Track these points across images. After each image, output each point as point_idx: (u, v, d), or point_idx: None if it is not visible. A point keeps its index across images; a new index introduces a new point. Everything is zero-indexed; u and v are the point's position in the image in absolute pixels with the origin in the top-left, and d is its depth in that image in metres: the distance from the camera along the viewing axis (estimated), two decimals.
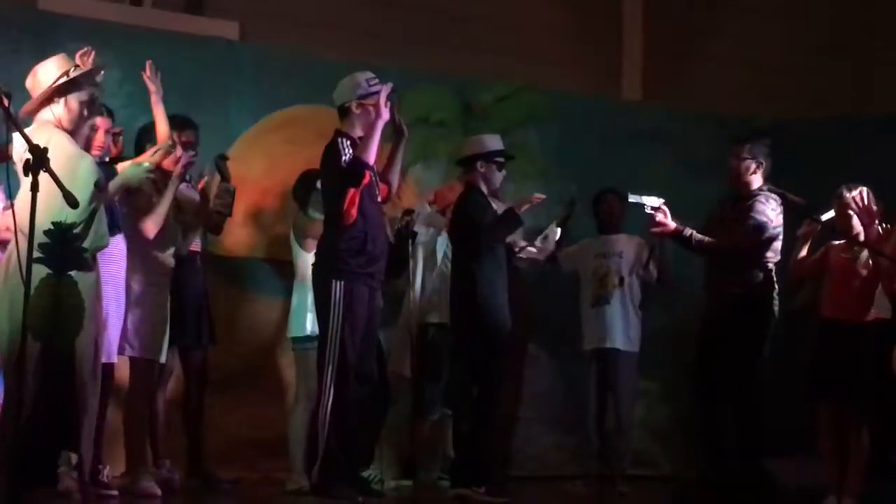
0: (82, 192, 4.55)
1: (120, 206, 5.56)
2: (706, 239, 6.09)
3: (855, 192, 5.73)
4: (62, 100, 4.81)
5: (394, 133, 5.84)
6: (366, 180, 5.52)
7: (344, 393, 5.44)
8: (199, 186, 6.17)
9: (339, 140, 5.60)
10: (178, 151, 5.84)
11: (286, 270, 6.46)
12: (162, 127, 5.75)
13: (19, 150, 4.61)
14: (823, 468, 5.89)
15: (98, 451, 5.42)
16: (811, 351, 5.93)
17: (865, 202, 5.68)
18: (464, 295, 6.10)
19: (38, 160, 4.05)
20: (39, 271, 4.47)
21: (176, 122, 5.89)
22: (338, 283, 5.48)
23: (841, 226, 5.82)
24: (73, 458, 4.69)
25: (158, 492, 5.67)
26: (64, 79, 4.81)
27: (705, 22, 9.06)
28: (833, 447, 5.81)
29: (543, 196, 6.34)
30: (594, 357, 7.08)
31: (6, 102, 4.27)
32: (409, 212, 6.69)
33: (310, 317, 5.95)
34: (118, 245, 5.48)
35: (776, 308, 6.10)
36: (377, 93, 5.56)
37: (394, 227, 6.54)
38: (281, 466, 6.28)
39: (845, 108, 8.36)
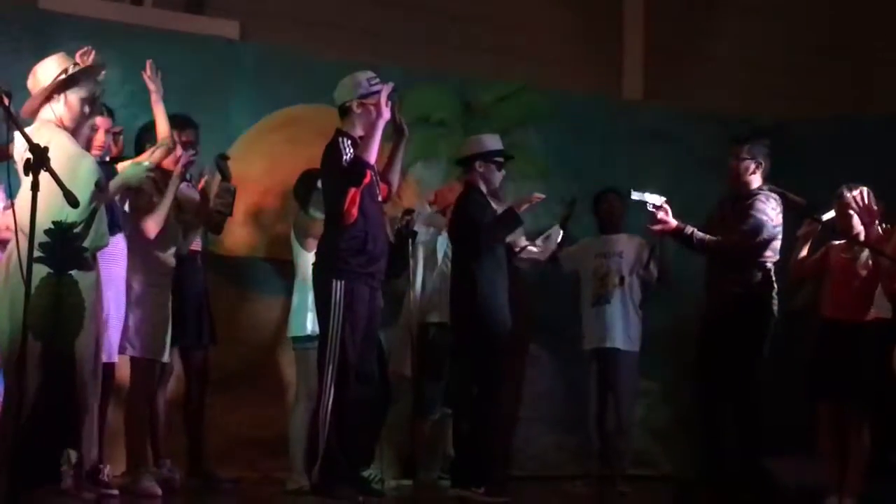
0: (83, 192, 4.55)
1: (120, 205, 5.56)
2: (707, 237, 6.09)
3: (855, 192, 5.73)
4: (62, 98, 4.81)
5: (394, 132, 5.84)
6: (366, 180, 5.52)
7: (344, 392, 5.44)
8: (200, 186, 6.17)
9: (340, 139, 5.60)
10: (179, 151, 5.85)
11: (287, 270, 6.46)
12: (162, 126, 5.74)
13: (20, 150, 4.61)
14: (823, 468, 5.89)
15: (99, 451, 5.42)
16: (811, 351, 5.94)
17: (866, 202, 5.68)
18: (464, 294, 6.10)
19: (39, 159, 4.05)
20: (40, 271, 4.47)
21: (176, 121, 5.89)
22: (338, 282, 5.48)
23: (841, 226, 5.82)
24: (74, 455, 4.69)
25: (159, 491, 5.67)
26: (63, 76, 4.80)
27: (706, 22, 9.06)
28: (833, 447, 5.81)
29: (543, 196, 6.34)
30: (594, 357, 7.09)
31: (6, 101, 4.27)
32: (409, 211, 6.69)
33: (310, 316, 5.95)
34: (118, 244, 5.49)
35: (775, 307, 6.10)
36: (378, 92, 5.56)
37: (394, 226, 6.54)
38: (281, 466, 6.29)
39: (845, 108, 8.35)
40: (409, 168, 7.35)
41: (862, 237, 5.74)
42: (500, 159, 6.33)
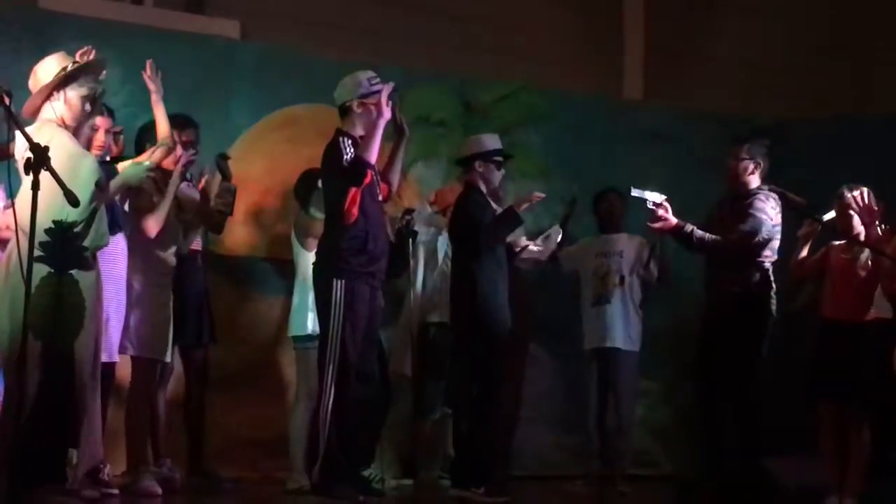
0: (83, 191, 4.55)
1: (121, 205, 5.56)
2: (707, 235, 6.09)
3: (856, 192, 5.73)
4: (62, 96, 4.81)
5: (395, 132, 5.84)
6: (367, 180, 5.52)
7: (345, 392, 5.44)
8: (200, 185, 6.17)
9: (341, 139, 5.60)
10: (178, 150, 5.85)
11: (287, 269, 6.46)
12: (162, 126, 5.74)
13: (21, 149, 4.61)
14: (824, 468, 5.89)
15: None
16: (811, 351, 5.93)
17: (866, 202, 5.68)
18: (464, 294, 6.10)
19: (39, 159, 4.06)
20: (40, 270, 4.47)
21: (176, 121, 5.89)
22: (339, 282, 5.48)
23: (842, 226, 5.82)
24: (75, 455, 4.70)
25: (159, 491, 5.67)
26: (62, 74, 4.81)
27: (706, 22, 9.06)
28: (833, 447, 5.81)
29: (543, 195, 6.34)
30: (595, 356, 7.08)
31: (7, 101, 4.27)
32: (409, 211, 6.69)
33: (311, 316, 5.95)
34: (119, 244, 5.49)
35: (774, 307, 6.10)
36: (378, 92, 5.56)
37: (394, 226, 6.54)
38: (281, 465, 6.28)
39: (845, 108, 8.35)
40: (410, 168, 7.36)
41: (862, 237, 5.74)
42: (500, 159, 6.33)
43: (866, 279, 5.78)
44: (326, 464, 5.44)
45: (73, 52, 4.92)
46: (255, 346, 6.89)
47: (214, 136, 6.57)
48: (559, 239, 7.03)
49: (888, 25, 8.73)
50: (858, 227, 5.76)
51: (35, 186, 4.04)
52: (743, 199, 6.13)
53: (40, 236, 4.37)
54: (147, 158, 5.54)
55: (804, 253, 6.01)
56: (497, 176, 6.33)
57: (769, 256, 6.13)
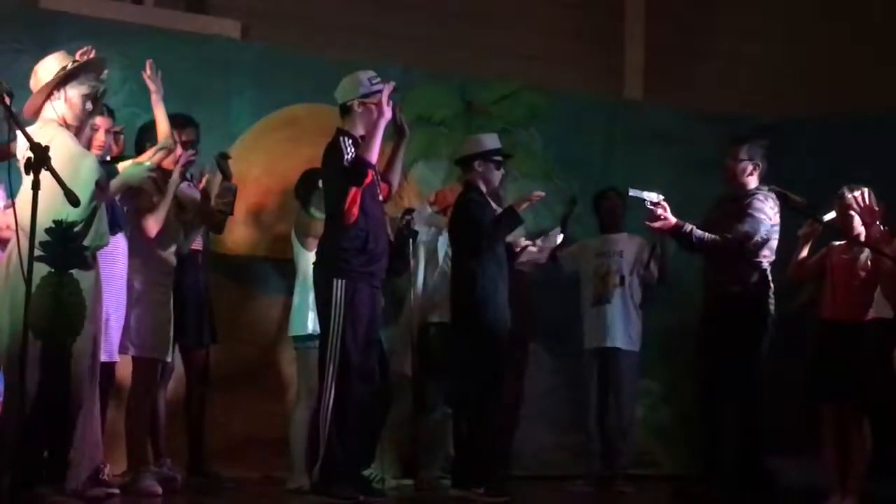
0: (84, 191, 4.55)
1: (121, 205, 5.56)
2: (706, 235, 6.09)
3: (857, 193, 5.72)
4: (62, 95, 4.81)
5: (395, 132, 5.84)
6: (368, 179, 5.52)
7: (345, 392, 5.44)
8: (201, 185, 6.17)
9: (341, 139, 5.60)
10: (178, 150, 5.85)
11: (287, 269, 6.47)
12: (163, 126, 5.74)
13: (22, 149, 4.61)
14: (824, 468, 5.89)
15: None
16: (811, 351, 5.93)
17: (867, 202, 5.68)
18: (464, 294, 6.11)
19: (40, 158, 4.06)
20: (40, 270, 4.46)
21: (177, 120, 5.89)
22: (339, 281, 5.48)
23: (842, 226, 5.82)
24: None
25: (160, 490, 5.67)
26: (62, 72, 4.81)
27: (706, 21, 9.06)
28: (834, 447, 5.80)
29: (543, 194, 6.35)
30: (595, 356, 7.08)
31: (7, 101, 4.27)
32: (409, 211, 6.69)
33: (311, 315, 5.95)
34: (119, 244, 5.48)
35: (772, 307, 6.11)
36: (379, 91, 5.56)
37: (394, 226, 6.54)
38: (282, 465, 6.29)
39: (846, 108, 8.35)
40: (410, 168, 7.36)
41: (862, 238, 5.74)
42: (499, 158, 6.33)
43: (866, 279, 5.78)
44: (326, 464, 5.44)
45: (73, 51, 4.91)
46: (256, 345, 6.90)
47: (215, 136, 6.57)
48: (559, 239, 7.02)
49: (888, 25, 8.73)
50: (859, 227, 5.76)
51: (35, 186, 4.04)
52: (742, 200, 6.14)
53: (41, 236, 4.36)
54: (148, 159, 5.54)
55: (804, 253, 6.01)
56: (497, 176, 6.33)
57: (767, 256, 6.14)
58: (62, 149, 4.55)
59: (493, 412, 6.11)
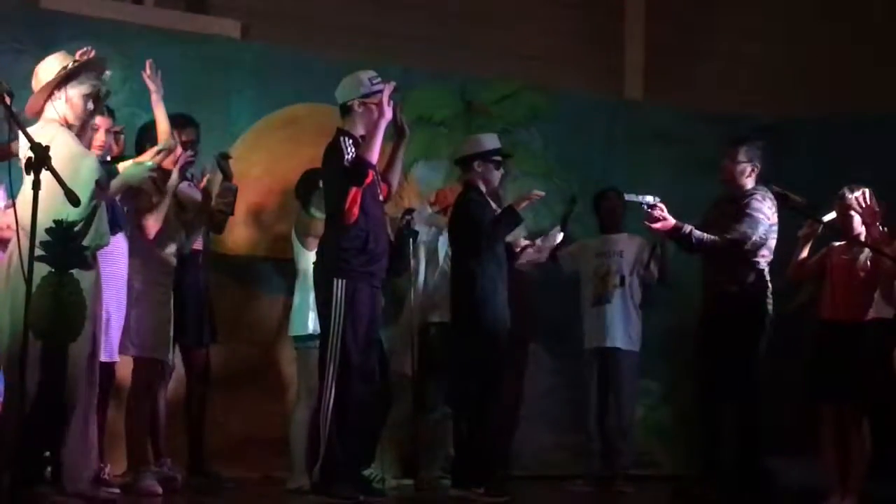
0: (84, 191, 4.55)
1: (122, 205, 5.56)
2: (705, 236, 6.09)
3: (857, 193, 5.73)
4: (63, 94, 4.81)
5: (395, 132, 5.83)
6: (368, 179, 5.52)
7: (345, 392, 5.44)
8: (201, 185, 6.17)
9: (342, 139, 5.60)
10: (178, 150, 5.85)
11: (288, 269, 6.47)
12: (163, 126, 5.74)
13: (23, 149, 4.61)
14: (824, 468, 5.89)
15: (99, 450, 5.41)
16: (811, 352, 5.93)
17: (868, 203, 5.68)
18: (463, 294, 6.11)
19: (40, 158, 4.06)
20: (41, 269, 4.46)
21: (177, 120, 5.89)
22: (340, 281, 5.48)
23: (842, 226, 5.82)
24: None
25: (160, 490, 5.67)
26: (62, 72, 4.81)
27: (706, 21, 9.06)
28: (834, 447, 5.80)
29: (542, 193, 6.35)
30: (595, 356, 7.08)
31: (8, 100, 4.28)
32: (409, 211, 6.70)
33: (311, 315, 5.95)
34: (119, 244, 5.48)
35: (770, 306, 6.11)
36: (380, 91, 5.56)
37: (395, 226, 6.54)
38: (282, 465, 6.28)
39: (846, 108, 8.36)
40: (410, 168, 7.37)
41: (863, 238, 5.74)
42: (499, 158, 6.34)
43: (866, 279, 5.78)
44: (327, 463, 5.44)
45: (73, 51, 4.91)
46: (256, 345, 6.90)
47: (215, 136, 6.57)
48: (559, 237, 7.03)
49: (889, 25, 8.73)
50: (859, 227, 5.76)
51: (36, 186, 4.04)
52: (740, 200, 6.15)
53: (41, 236, 4.36)
54: (149, 158, 5.54)
55: (804, 254, 6.01)
56: (496, 176, 6.34)
57: (766, 256, 6.14)
58: (63, 148, 4.55)
59: (493, 412, 6.11)
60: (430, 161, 7.58)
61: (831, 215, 5.89)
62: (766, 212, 6.09)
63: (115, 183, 5.06)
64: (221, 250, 6.75)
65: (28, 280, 4.05)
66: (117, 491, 5.47)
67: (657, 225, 6.15)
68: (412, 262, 6.66)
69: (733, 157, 6.22)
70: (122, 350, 5.67)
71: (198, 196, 6.13)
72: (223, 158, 6.24)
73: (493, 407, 6.11)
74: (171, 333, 5.85)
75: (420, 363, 6.67)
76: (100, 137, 5.50)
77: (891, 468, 6.09)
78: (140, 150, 5.89)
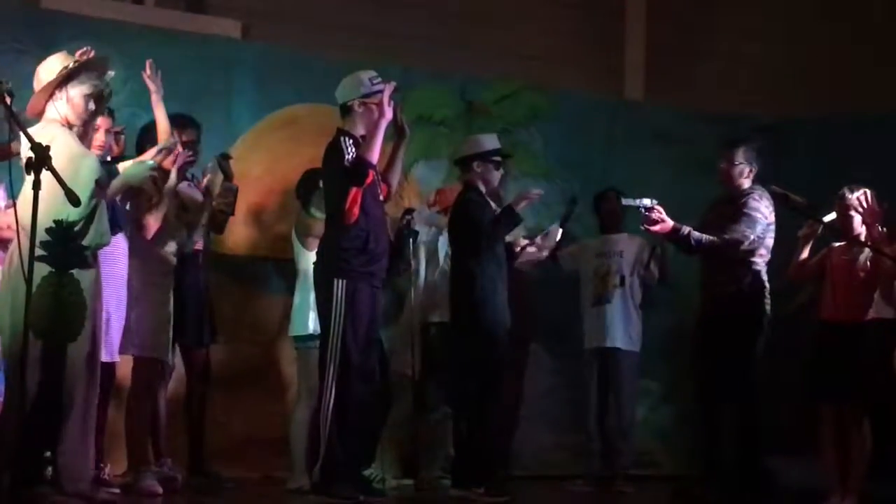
0: (84, 191, 4.55)
1: (122, 205, 5.56)
2: (704, 237, 6.09)
3: (858, 193, 5.73)
4: (64, 94, 4.81)
5: (395, 133, 5.83)
6: (368, 179, 5.52)
7: (346, 392, 5.44)
8: (202, 185, 6.17)
9: (342, 139, 5.59)
10: (178, 150, 5.85)
11: (288, 269, 6.47)
12: (163, 126, 5.75)
13: (24, 149, 4.61)
14: (824, 468, 5.89)
15: (99, 450, 5.42)
16: (811, 352, 5.93)
17: (868, 203, 5.68)
18: (463, 294, 6.11)
19: (40, 158, 4.06)
20: (41, 269, 4.47)
21: (177, 121, 5.90)
22: (340, 281, 5.48)
23: (842, 227, 5.82)
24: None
25: (160, 490, 5.67)
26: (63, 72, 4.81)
27: (706, 21, 9.06)
28: (834, 447, 5.81)
29: (541, 192, 6.36)
30: (595, 356, 7.09)
31: (8, 100, 4.28)
32: (409, 211, 6.70)
33: (312, 315, 5.95)
34: (119, 244, 5.49)
35: (768, 306, 6.11)
36: (380, 91, 5.56)
37: (395, 226, 6.54)
38: (282, 465, 6.29)
39: (846, 108, 8.36)
40: (411, 168, 7.37)
41: (863, 238, 5.75)
42: (498, 159, 6.34)
43: (866, 280, 5.78)
44: (327, 463, 5.44)
45: (74, 51, 4.92)
46: (256, 345, 6.90)
47: (215, 136, 6.57)
48: (559, 238, 7.03)
49: (889, 25, 8.73)
50: (859, 227, 5.77)
51: (36, 186, 4.04)
52: (737, 200, 6.15)
53: (41, 236, 4.37)
54: (150, 158, 5.54)
55: (805, 254, 6.01)
56: (496, 176, 6.34)
57: (763, 256, 6.15)
58: (63, 149, 4.55)
59: (493, 412, 6.11)
60: (430, 161, 7.58)
61: (831, 216, 5.89)
62: (763, 211, 6.09)
63: (115, 183, 5.06)
64: (222, 250, 6.75)
65: (28, 280, 4.05)
66: (117, 491, 5.47)
67: (655, 227, 6.16)
68: (412, 262, 6.66)
69: (730, 159, 6.22)
70: (122, 350, 5.67)
71: (198, 196, 6.13)
72: (224, 159, 6.24)
73: (493, 407, 6.10)
74: (171, 333, 5.85)
75: (420, 363, 6.67)
76: (100, 137, 5.50)
77: (891, 468, 6.09)
78: (140, 151, 5.89)
